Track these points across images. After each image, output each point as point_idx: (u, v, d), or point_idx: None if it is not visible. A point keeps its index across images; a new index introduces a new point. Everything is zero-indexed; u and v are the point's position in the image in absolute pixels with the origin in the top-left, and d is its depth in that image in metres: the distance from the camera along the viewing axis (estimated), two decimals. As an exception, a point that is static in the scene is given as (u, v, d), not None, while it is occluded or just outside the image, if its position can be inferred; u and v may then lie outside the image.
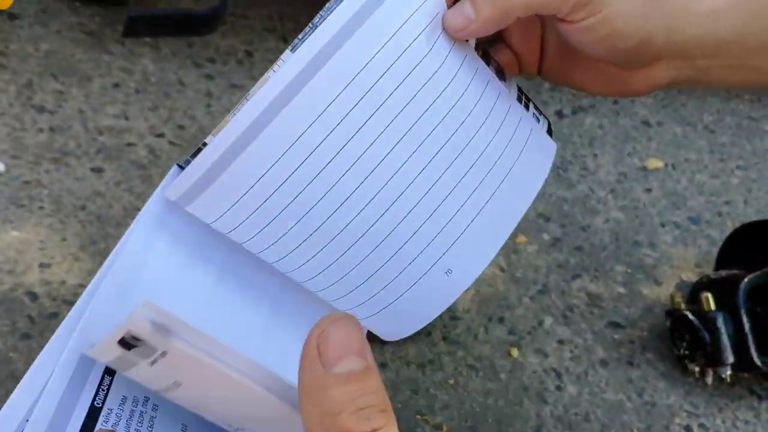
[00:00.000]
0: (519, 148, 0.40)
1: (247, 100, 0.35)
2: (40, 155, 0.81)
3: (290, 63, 0.35)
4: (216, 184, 0.36)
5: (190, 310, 0.38)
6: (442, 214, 0.38)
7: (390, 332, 0.42)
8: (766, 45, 0.39)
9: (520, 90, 0.43)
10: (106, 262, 0.37)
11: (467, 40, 0.39)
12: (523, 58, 0.43)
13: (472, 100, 0.38)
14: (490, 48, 0.43)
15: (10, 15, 0.95)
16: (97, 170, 0.82)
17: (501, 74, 0.42)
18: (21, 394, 0.35)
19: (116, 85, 0.91)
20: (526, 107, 0.43)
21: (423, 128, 0.37)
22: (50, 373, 0.34)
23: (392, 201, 0.37)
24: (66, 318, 0.37)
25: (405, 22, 0.35)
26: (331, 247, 0.38)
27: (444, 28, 0.37)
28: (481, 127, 0.38)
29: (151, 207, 0.38)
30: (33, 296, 0.70)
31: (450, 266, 0.39)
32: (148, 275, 0.38)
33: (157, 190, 0.38)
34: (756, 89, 0.44)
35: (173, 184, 0.37)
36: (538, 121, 0.44)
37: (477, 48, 0.40)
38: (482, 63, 0.40)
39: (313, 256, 0.39)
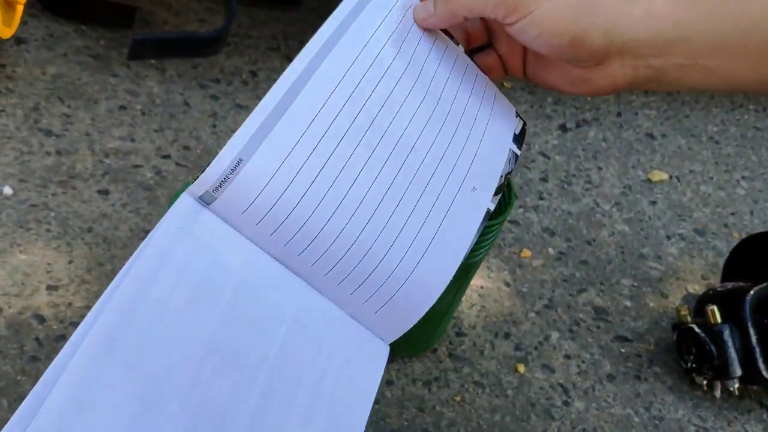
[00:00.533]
0: (490, 104, 0.49)
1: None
2: (47, 178, 0.82)
3: (299, 57, 0.41)
4: (243, 174, 0.39)
5: (207, 316, 0.39)
6: (453, 149, 0.45)
7: (419, 304, 0.44)
8: (713, 47, 0.40)
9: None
10: (122, 270, 0.38)
11: (451, 37, 0.49)
12: (509, 62, 0.50)
13: (448, 68, 0.47)
14: (481, 52, 0.51)
15: (17, 39, 0.96)
16: (104, 192, 0.83)
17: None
18: (24, 411, 0.36)
19: (122, 108, 0.92)
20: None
21: (416, 94, 0.44)
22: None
23: (407, 151, 0.43)
24: (74, 334, 0.38)
25: (387, 15, 0.44)
26: (354, 220, 0.41)
27: (413, 18, 0.46)
28: (459, 89, 0.47)
29: (174, 212, 0.39)
30: (40, 319, 0.71)
31: (473, 184, 0.46)
32: (163, 287, 0.38)
33: (181, 196, 0.40)
34: (718, 91, 0.46)
35: (200, 179, 0.39)
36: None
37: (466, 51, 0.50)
38: (455, 47, 0.49)
39: (339, 236, 0.41)
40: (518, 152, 0.49)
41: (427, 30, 0.47)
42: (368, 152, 0.42)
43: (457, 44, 0.49)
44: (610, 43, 0.41)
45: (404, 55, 0.45)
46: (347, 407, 0.42)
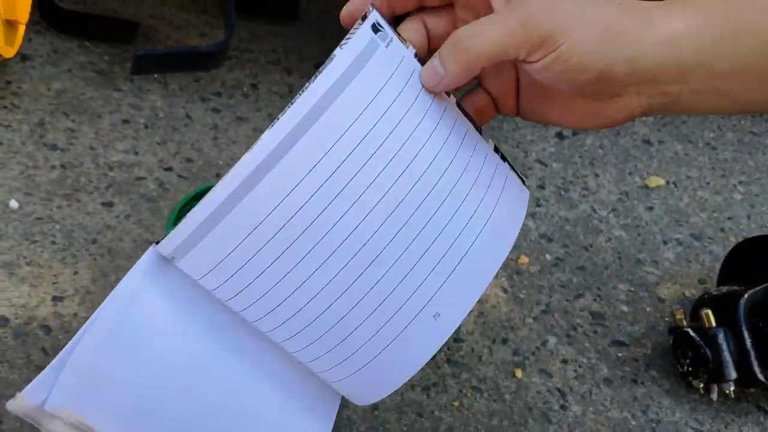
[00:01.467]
0: (497, 195, 0.43)
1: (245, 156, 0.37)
2: (52, 192, 0.84)
3: (280, 123, 0.37)
4: (207, 240, 0.38)
5: (170, 365, 0.41)
6: (427, 261, 0.40)
7: (367, 393, 0.44)
8: (731, 71, 0.40)
9: (495, 148, 0.46)
10: (95, 314, 0.39)
11: (449, 95, 0.43)
12: (501, 100, 0.45)
13: (452, 152, 0.40)
14: (469, 94, 0.46)
15: (23, 56, 0.98)
16: (108, 204, 0.84)
17: (477, 129, 0.44)
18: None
19: (126, 121, 0.94)
20: (503, 159, 0.45)
21: (405, 182, 0.39)
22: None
23: (377, 253, 0.39)
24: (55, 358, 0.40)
25: (386, 82, 0.38)
26: (314, 304, 0.39)
27: (422, 85, 0.40)
28: (461, 177, 0.41)
29: (143, 260, 0.40)
30: (46, 329, 0.72)
31: (437, 310, 0.41)
32: (134, 324, 0.40)
33: (149, 249, 0.41)
34: (726, 113, 0.45)
35: (166, 240, 0.39)
36: (513, 170, 0.46)
37: (457, 104, 0.43)
38: (461, 116, 0.43)
39: (295, 314, 0.40)
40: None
41: (437, 98, 0.41)
42: (326, 253, 0.38)
43: (467, 117, 0.43)
44: (633, 73, 0.39)
45: (400, 134, 0.39)
46: None
